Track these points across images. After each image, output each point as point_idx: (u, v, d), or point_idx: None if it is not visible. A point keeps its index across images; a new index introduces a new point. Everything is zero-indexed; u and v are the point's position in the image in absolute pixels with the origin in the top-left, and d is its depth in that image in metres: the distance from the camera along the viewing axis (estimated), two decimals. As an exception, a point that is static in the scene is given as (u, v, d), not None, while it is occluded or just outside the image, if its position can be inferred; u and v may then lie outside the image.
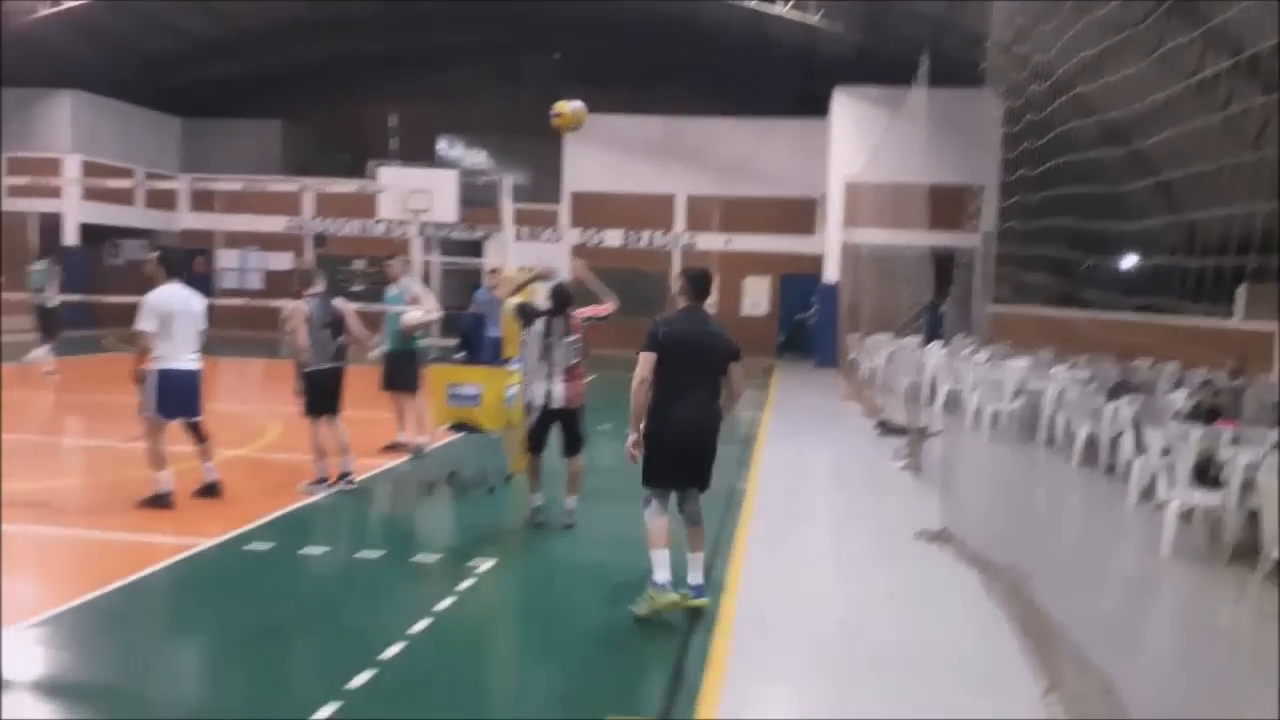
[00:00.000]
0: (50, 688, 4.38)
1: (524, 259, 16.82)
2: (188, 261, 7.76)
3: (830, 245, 22.99)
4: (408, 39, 27.84)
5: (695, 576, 5.33)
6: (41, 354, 14.30)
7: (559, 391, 6.99)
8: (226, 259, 28.10)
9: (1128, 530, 7.84)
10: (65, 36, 23.66)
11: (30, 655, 4.61)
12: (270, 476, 8.31)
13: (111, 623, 5.14)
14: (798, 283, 25.17)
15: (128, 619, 5.23)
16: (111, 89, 25.99)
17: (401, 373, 9.49)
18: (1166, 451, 7.60)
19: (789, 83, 26.86)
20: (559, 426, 7.12)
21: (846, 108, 22.99)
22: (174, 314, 7.14)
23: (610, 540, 6.93)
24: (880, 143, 20.04)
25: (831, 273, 22.97)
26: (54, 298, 14.20)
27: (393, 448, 9.61)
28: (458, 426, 7.92)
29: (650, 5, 24.72)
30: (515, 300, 7.78)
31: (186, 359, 7.22)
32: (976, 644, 5.21)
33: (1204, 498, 6.95)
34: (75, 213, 24.96)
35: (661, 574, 5.21)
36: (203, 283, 23.90)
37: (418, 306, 9.48)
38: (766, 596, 5.79)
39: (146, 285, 7.40)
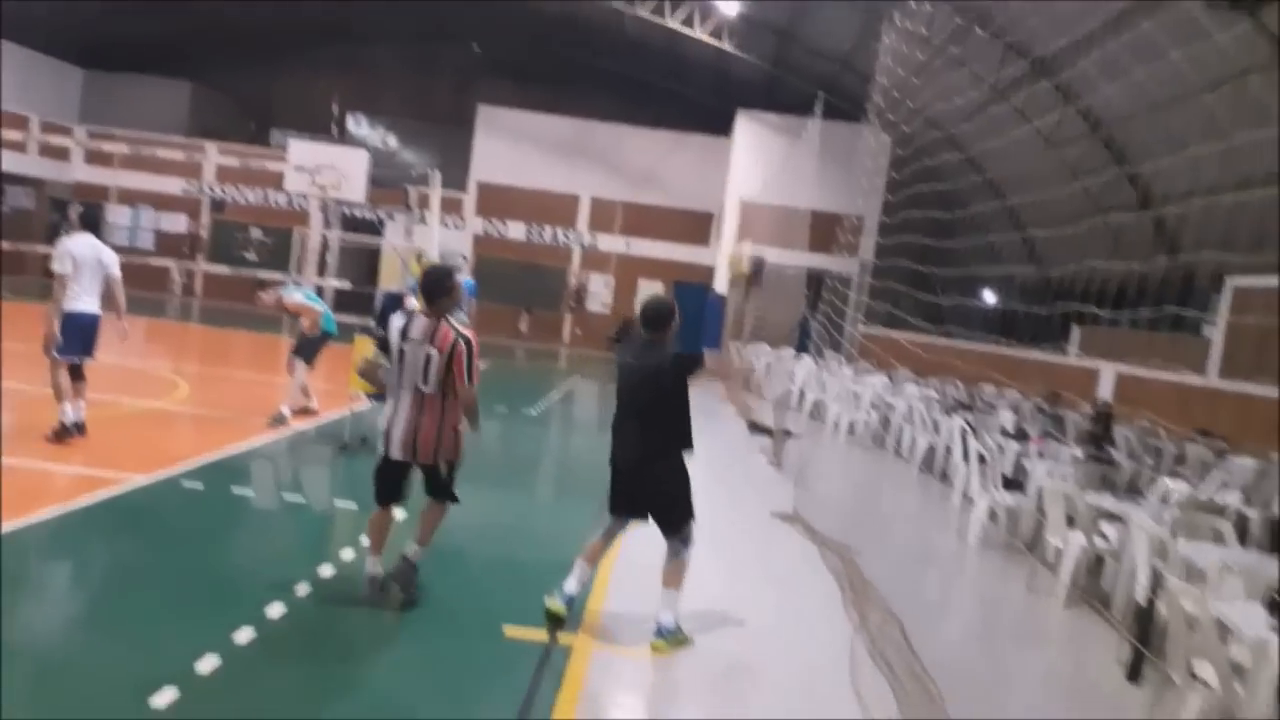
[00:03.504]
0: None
1: (427, 246, 17.38)
2: (99, 218, 8.38)
3: (722, 258, 24.27)
4: (326, 13, 27.94)
5: (663, 615, 5.04)
6: None
7: (399, 433, 4.97)
8: (117, 215, 27.57)
9: (946, 523, 9.22)
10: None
11: None
12: (198, 426, 8.93)
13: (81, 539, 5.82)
14: (689, 291, 26.46)
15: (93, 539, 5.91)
16: (13, 33, 25.30)
17: (311, 347, 10.28)
18: (983, 460, 9.02)
19: (699, 100, 28.14)
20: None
21: (748, 130, 24.31)
22: (83, 261, 7.76)
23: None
24: (778, 167, 21.48)
25: (721, 284, 24.27)
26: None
27: (304, 411, 10.32)
28: (374, 395, 8.71)
29: (573, 9, 25.62)
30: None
31: (90, 303, 7.85)
32: (810, 594, 6.42)
33: (1006, 499, 8.37)
34: (-39, 156, 24.22)
35: (568, 584, 5.18)
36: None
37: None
38: (638, 557, 6.82)
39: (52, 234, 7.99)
